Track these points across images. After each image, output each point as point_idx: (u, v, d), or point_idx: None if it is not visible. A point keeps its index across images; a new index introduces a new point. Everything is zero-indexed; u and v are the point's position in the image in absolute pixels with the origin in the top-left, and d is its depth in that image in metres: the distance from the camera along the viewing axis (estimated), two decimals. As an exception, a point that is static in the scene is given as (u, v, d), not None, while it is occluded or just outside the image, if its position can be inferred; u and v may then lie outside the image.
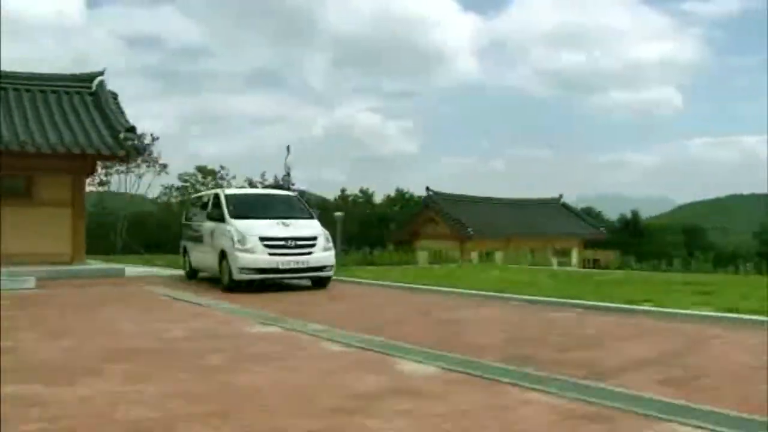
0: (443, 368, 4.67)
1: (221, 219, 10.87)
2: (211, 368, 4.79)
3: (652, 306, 7.92)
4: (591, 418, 3.42)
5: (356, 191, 48.10)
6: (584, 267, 30.84)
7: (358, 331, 6.31)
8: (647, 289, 9.69)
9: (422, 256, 23.87)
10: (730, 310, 7.32)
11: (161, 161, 32.79)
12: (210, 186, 33.41)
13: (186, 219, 13.77)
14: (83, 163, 14.12)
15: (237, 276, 10.08)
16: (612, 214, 58.58)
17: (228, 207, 11.01)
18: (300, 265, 10.30)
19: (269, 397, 3.95)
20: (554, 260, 33.43)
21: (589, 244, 37.84)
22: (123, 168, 30.17)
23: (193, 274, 12.83)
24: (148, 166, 32.03)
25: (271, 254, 10.11)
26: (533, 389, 4.01)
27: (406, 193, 48.77)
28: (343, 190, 48.93)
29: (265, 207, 11.66)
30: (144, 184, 34.60)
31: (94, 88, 15.38)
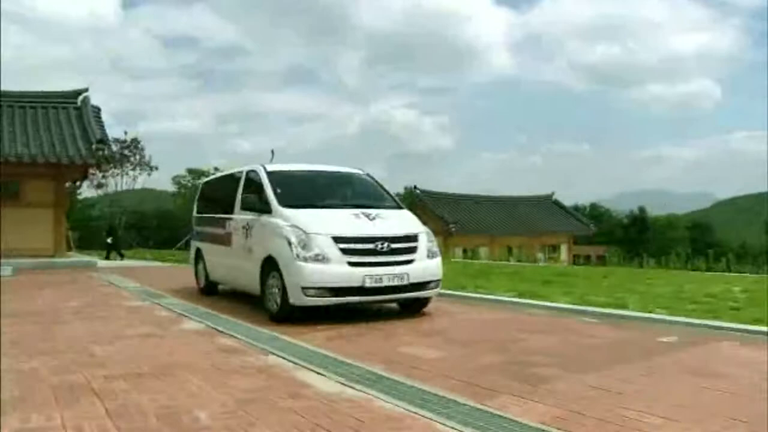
0: (208, 326, 6.70)
1: (264, 209, 7.54)
2: (57, 322, 7.01)
3: (473, 292, 9.78)
4: (228, 350, 5.41)
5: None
6: (574, 263, 32.44)
7: (204, 305, 8.41)
8: (519, 281, 11.42)
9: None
10: (520, 295, 9.18)
11: (152, 163, 36.65)
12: None
13: (199, 210, 10.26)
14: (59, 170, 16.62)
15: (296, 299, 6.77)
16: (653, 210, 58.56)
17: (274, 190, 7.64)
18: (396, 282, 6.95)
19: (65, 337, 6.07)
20: (540, 256, 35.03)
21: (580, 240, 39.14)
22: (118, 171, 33.45)
23: (210, 289, 9.67)
24: (141, 169, 35.46)
25: (351, 264, 6.77)
26: (231, 336, 6.01)
27: (415, 191, 50.74)
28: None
29: (331, 190, 8.36)
30: (138, 183, 38.12)
31: (78, 103, 17.93)
